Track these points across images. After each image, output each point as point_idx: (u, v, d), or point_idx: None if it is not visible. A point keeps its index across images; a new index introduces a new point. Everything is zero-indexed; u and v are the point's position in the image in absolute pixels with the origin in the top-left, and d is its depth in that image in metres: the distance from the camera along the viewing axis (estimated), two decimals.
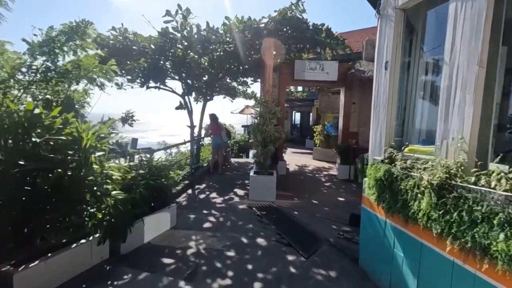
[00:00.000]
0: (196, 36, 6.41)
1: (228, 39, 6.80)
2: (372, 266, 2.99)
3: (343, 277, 3.02)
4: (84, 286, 2.53)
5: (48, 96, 3.79)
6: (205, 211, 4.98)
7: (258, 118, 5.91)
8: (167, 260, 3.19)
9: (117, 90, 9.03)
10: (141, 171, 3.51)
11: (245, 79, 10.95)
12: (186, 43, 6.71)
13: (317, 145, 12.37)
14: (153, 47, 6.79)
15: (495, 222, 1.56)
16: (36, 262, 2.23)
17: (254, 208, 5.20)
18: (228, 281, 2.87)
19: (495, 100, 1.96)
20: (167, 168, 3.95)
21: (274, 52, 7.90)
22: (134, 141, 4.06)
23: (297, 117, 22.78)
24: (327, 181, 7.87)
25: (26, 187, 2.14)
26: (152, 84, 8.72)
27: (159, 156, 10.79)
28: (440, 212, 1.92)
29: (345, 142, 8.35)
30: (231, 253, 3.48)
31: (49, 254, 2.34)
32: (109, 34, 7.14)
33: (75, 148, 2.48)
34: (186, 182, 6.58)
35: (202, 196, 6.00)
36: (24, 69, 3.28)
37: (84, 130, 2.51)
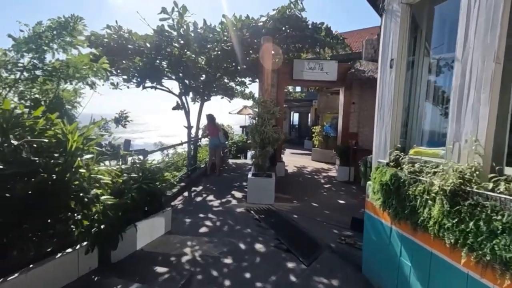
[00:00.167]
0: (192, 34, 6.25)
1: (225, 38, 6.65)
2: (376, 275, 2.84)
3: (346, 287, 2.87)
4: None
5: (37, 96, 3.61)
6: (201, 215, 4.82)
7: (256, 118, 5.76)
8: (160, 269, 3.02)
9: (117, 91, 8.87)
10: (133, 175, 3.34)
11: (243, 79, 10.80)
12: (182, 42, 6.54)
13: (316, 146, 12.24)
14: (148, 45, 6.62)
15: None
16: (16, 274, 2.06)
17: (252, 212, 5.04)
18: None
19: None
20: (161, 170, 3.78)
21: (273, 52, 7.77)
22: (127, 142, 3.88)
23: (295, 117, 22.66)
24: (327, 183, 7.73)
25: (4, 194, 1.96)
26: (148, 84, 8.55)
27: (155, 157, 10.68)
28: (454, 221, 1.77)
29: (345, 143, 8.21)
30: (228, 260, 3.32)
31: (31, 266, 2.17)
32: (104, 33, 6.97)
33: (60, 151, 2.31)
34: (182, 184, 6.41)
35: (198, 199, 5.83)
36: (9, 66, 3.10)
37: (70, 131, 2.34)
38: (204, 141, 11.27)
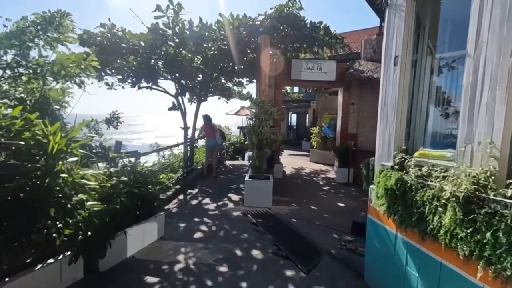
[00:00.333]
0: (188, 33, 6.08)
1: (222, 36, 6.48)
2: (380, 284, 2.69)
3: None
4: None
5: (22, 95, 3.43)
6: (196, 219, 4.64)
7: (254, 119, 5.59)
8: (151, 279, 2.84)
9: (116, 91, 8.68)
10: (123, 178, 3.16)
11: (240, 79, 10.65)
12: (177, 40, 6.36)
13: (314, 147, 12.11)
14: (143, 44, 6.43)
15: None
16: None
17: (249, 215, 4.87)
18: None
19: None
20: (154, 173, 3.61)
21: (271, 52, 7.62)
22: (118, 144, 3.71)
23: (293, 118, 22.54)
24: (325, 184, 7.58)
25: None
26: (144, 84, 8.37)
27: (151, 159, 10.48)
28: (469, 231, 1.62)
29: (344, 144, 8.07)
30: (223, 268, 3.15)
31: (6, 279, 1.99)
32: (97, 31, 6.78)
33: (41, 153, 2.13)
34: (178, 187, 6.22)
35: (194, 202, 5.65)
36: None
37: (51, 132, 2.16)
38: (201, 142, 11.11)
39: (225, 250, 3.58)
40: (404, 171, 2.38)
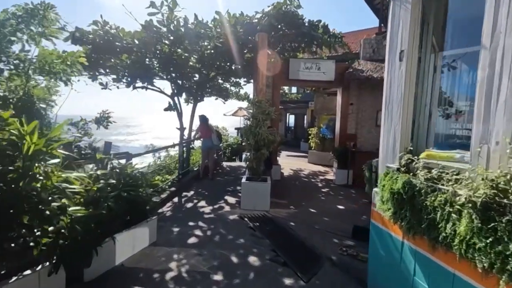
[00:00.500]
0: (183, 30, 5.90)
1: (218, 34, 6.31)
2: None
3: None
4: None
5: (6, 93, 3.23)
6: (191, 223, 4.45)
7: (251, 119, 5.42)
8: None
9: (114, 92, 8.50)
10: (111, 181, 2.97)
11: (237, 79, 10.50)
12: (172, 38, 6.18)
13: (313, 148, 11.96)
14: (137, 42, 6.25)
15: None
16: None
17: (246, 219, 4.69)
18: None
19: None
20: (145, 176, 3.42)
21: (269, 52, 7.46)
22: (108, 144, 3.52)
23: (291, 119, 22.40)
24: (324, 186, 7.42)
25: None
26: (139, 84, 8.18)
27: (146, 160, 10.27)
28: (488, 241, 1.45)
29: (343, 145, 7.92)
30: (218, 277, 2.96)
31: None
32: (90, 29, 6.59)
33: (15, 155, 1.94)
34: (173, 189, 6.03)
35: (189, 205, 5.46)
36: None
37: (28, 132, 1.98)
38: (198, 143, 10.92)
39: (220, 256, 3.40)
40: (411, 174, 2.22)
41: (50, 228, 2.11)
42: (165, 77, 8.29)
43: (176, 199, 5.75)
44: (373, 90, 7.71)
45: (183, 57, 7.10)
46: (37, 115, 3.22)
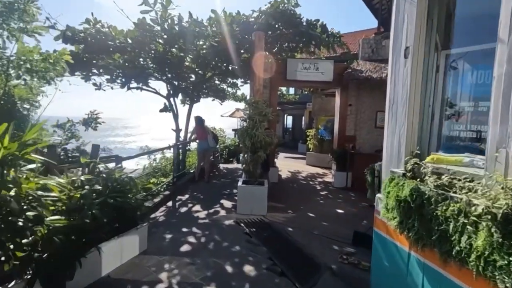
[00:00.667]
0: (177, 28, 5.72)
1: (213, 33, 6.14)
2: None
3: None
4: None
5: None
6: (184, 229, 4.26)
7: (247, 120, 5.24)
8: None
9: (111, 93, 8.30)
10: (97, 187, 2.78)
11: (234, 80, 10.35)
12: (165, 36, 6.00)
13: (311, 150, 11.81)
14: (130, 41, 6.06)
15: None
16: None
17: (242, 224, 4.51)
18: None
19: None
20: (134, 181, 3.23)
21: (267, 53, 7.30)
22: (95, 147, 3.33)
23: (289, 120, 22.25)
24: (323, 189, 7.25)
25: None
26: (134, 84, 7.99)
27: (142, 162, 10.05)
28: (511, 258, 1.29)
29: (341, 147, 7.76)
30: None
31: None
32: (82, 28, 6.39)
33: None
34: (167, 193, 5.84)
35: (183, 209, 5.26)
36: None
37: None
38: (194, 144, 10.74)
39: (214, 266, 3.22)
40: (418, 179, 2.05)
41: (24, 241, 1.92)
42: (160, 77, 8.11)
43: (170, 203, 5.56)
44: (372, 91, 7.57)
45: (177, 56, 6.92)
46: (19, 116, 3.02)
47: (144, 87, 8.30)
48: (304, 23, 6.62)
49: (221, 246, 3.77)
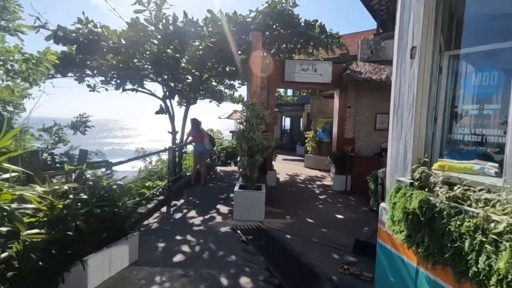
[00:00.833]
0: (171, 28, 5.55)
1: (209, 34, 5.97)
2: None
3: None
4: None
5: None
6: (178, 237, 4.08)
7: (244, 123, 5.08)
8: None
9: (108, 94, 8.14)
10: (82, 196, 2.60)
11: (232, 82, 10.20)
12: (159, 37, 5.83)
13: (309, 152, 11.67)
14: (123, 41, 5.88)
15: None
16: None
17: (238, 231, 4.34)
18: None
19: None
20: (124, 188, 3.05)
21: (265, 54, 7.15)
22: (83, 152, 3.15)
23: (287, 122, 22.12)
24: (322, 193, 7.10)
25: None
26: (129, 86, 7.81)
27: (137, 165, 9.84)
28: None
29: (340, 150, 7.61)
30: None
31: None
32: (74, 28, 6.21)
33: None
34: (161, 198, 5.65)
35: (178, 215, 5.08)
36: None
37: None
38: (191, 147, 10.56)
39: (208, 278, 3.04)
40: (427, 189, 1.90)
41: None
42: (155, 78, 7.94)
43: (164, 209, 5.37)
44: (372, 92, 7.45)
45: (173, 57, 6.75)
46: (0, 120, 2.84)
47: (139, 88, 8.14)
48: (302, 24, 6.48)
49: (216, 255, 3.59)
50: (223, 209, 5.46)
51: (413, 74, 2.09)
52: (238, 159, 7.60)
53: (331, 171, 8.07)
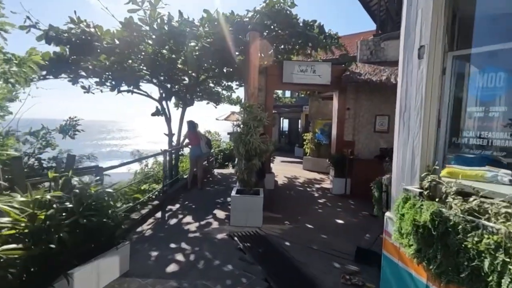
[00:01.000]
0: (166, 28, 5.40)
1: (206, 34, 5.83)
2: None
3: None
4: None
5: None
6: (173, 245, 3.92)
7: (241, 126, 4.93)
8: None
9: (103, 95, 7.97)
10: (67, 205, 2.43)
11: (229, 83, 10.05)
12: (154, 37, 5.67)
13: (308, 154, 11.53)
14: (117, 41, 5.72)
15: None
16: None
17: (236, 238, 4.18)
18: None
19: None
20: (113, 196, 2.88)
21: (263, 55, 7.01)
22: (70, 158, 2.98)
23: (285, 123, 21.99)
24: (321, 196, 6.95)
25: None
26: (124, 87, 7.64)
27: (133, 167, 9.66)
28: None
29: (339, 152, 7.47)
30: None
31: None
32: (66, 28, 6.04)
33: None
34: (156, 203, 5.47)
35: (173, 221, 4.91)
36: None
37: None
38: (188, 150, 10.39)
39: None
40: (437, 199, 1.76)
41: None
42: (151, 80, 7.77)
43: (159, 214, 5.20)
44: (371, 94, 7.33)
45: (169, 58, 6.59)
46: None
47: (135, 90, 7.97)
48: (301, 24, 6.35)
49: (212, 264, 3.43)
50: (220, 214, 5.30)
51: (421, 75, 1.95)
52: (236, 161, 7.45)
53: (330, 174, 7.93)
